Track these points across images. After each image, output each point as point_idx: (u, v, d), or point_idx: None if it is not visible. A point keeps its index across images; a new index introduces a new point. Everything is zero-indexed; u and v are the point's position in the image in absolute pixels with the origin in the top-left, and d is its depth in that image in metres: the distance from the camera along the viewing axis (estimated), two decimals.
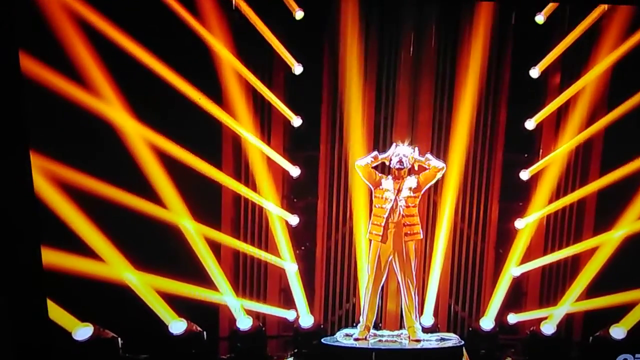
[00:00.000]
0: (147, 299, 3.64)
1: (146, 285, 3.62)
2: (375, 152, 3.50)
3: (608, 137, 3.87)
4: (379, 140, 4.01)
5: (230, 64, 3.73)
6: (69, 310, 3.44)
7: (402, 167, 3.39)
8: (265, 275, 4.14)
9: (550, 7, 3.74)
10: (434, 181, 3.47)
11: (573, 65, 3.84)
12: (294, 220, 4.02)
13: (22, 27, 2.78)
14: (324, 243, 4.13)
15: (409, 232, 3.40)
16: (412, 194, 3.39)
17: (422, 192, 3.44)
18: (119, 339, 3.56)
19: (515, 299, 4.12)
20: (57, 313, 3.38)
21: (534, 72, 3.85)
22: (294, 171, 4.01)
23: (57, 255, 3.27)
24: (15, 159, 2.79)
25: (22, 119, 2.71)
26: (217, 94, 3.76)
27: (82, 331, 3.44)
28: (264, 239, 4.08)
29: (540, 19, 3.77)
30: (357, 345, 3.44)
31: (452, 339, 3.55)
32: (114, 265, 3.52)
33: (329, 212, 4.10)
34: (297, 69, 3.84)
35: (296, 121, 3.94)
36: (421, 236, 3.48)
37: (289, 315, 4.06)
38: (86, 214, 3.43)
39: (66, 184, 3.32)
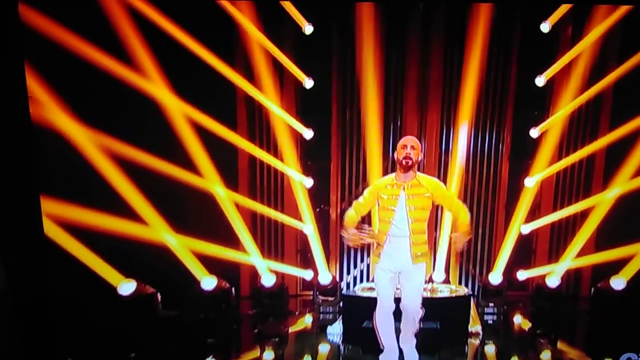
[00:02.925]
0: (184, 258, 3.77)
1: (183, 246, 3.78)
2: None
3: (618, 91, 3.87)
4: (389, 99, 4.02)
5: (243, 25, 3.74)
6: (114, 266, 3.56)
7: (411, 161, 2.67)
8: (282, 236, 4.24)
9: None
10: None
11: (584, 18, 3.82)
12: (309, 182, 4.09)
13: None
14: (337, 204, 4.20)
15: (419, 252, 2.71)
16: (422, 208, 2.69)
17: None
18: (158, 294, 3.63)
19: (525, 256, 4.19)
20: (103, 269, 3.54)
21: (545, 27, 3.85)
22: (307, 133, 4.07)
23: (106, 218, 3.46)
24: None
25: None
26: (230, 56, 3.80)
27: (126, 286, 3.56)
28: (279, 201, 4.17)
29: None
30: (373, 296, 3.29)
31: (462, 290, 3.57)
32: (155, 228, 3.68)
33: (342, 173, 4.16)
34: (308, 28, 3.87)
35: (308, 83, 3.98)
36: (431, 259, 3.05)
37: (307, 274, 4.19)
38: (135, 183, 3.60)
39: (116, 155, 3.48)
